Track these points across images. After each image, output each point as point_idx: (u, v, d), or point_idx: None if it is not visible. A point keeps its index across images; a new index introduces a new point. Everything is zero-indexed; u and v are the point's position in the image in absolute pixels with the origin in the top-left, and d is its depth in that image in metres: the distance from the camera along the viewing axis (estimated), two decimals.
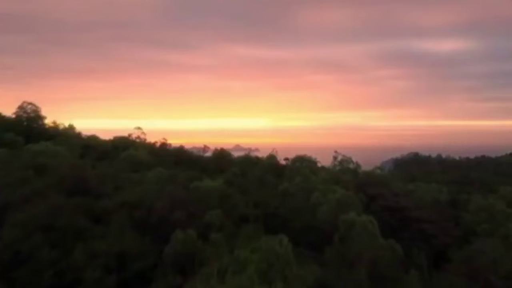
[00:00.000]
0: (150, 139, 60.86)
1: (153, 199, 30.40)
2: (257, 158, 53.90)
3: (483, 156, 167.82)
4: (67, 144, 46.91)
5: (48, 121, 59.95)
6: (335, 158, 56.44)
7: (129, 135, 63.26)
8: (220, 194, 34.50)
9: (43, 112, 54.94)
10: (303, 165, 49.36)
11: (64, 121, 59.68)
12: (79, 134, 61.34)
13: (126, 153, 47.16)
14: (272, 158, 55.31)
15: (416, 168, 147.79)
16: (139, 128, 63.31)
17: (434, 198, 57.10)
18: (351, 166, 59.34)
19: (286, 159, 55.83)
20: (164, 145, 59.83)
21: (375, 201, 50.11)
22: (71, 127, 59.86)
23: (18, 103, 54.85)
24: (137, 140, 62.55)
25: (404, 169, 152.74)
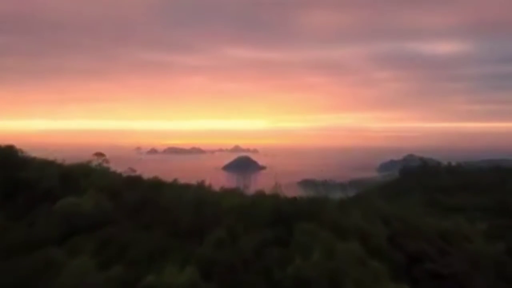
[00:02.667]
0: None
1: None
2: (254, 201, 39.42)
3: (495, 165, 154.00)
4: None
5: None
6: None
7: (89, 162, 48.75)
8: None
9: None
10: (319, 216, 35.31)
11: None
12: (30, 160, 45.29)
13: (64, 201, 32.59)
14: (274, 196, 40.99)
15: (426, 179, 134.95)
16: (100, 154, 48.68)
17: (488, 249, 43.52)
18: (378, 203, 45.39)
19: (293, 198, 41.57)
20: (131, 177, 45.17)
21: (418, 263, 36.67)
22: (9, 148, 43.18)
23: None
24: (98, 168, 48.02)
25: (413, 180, 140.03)
